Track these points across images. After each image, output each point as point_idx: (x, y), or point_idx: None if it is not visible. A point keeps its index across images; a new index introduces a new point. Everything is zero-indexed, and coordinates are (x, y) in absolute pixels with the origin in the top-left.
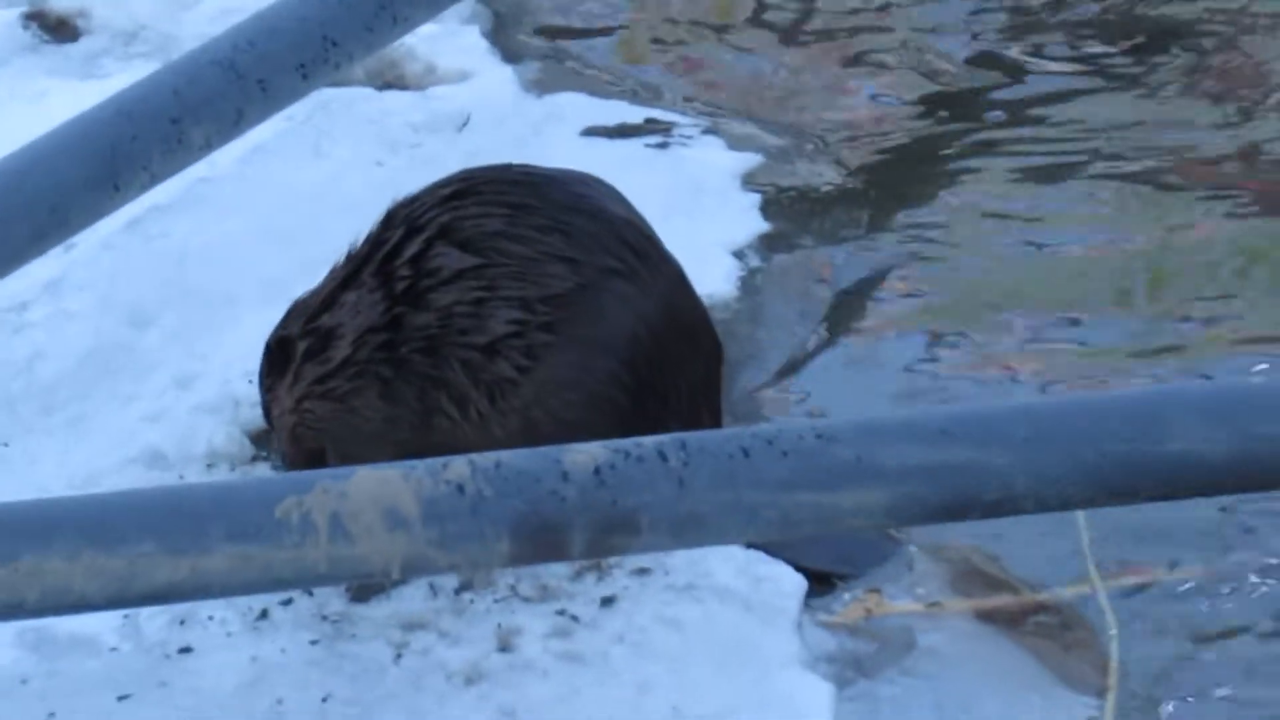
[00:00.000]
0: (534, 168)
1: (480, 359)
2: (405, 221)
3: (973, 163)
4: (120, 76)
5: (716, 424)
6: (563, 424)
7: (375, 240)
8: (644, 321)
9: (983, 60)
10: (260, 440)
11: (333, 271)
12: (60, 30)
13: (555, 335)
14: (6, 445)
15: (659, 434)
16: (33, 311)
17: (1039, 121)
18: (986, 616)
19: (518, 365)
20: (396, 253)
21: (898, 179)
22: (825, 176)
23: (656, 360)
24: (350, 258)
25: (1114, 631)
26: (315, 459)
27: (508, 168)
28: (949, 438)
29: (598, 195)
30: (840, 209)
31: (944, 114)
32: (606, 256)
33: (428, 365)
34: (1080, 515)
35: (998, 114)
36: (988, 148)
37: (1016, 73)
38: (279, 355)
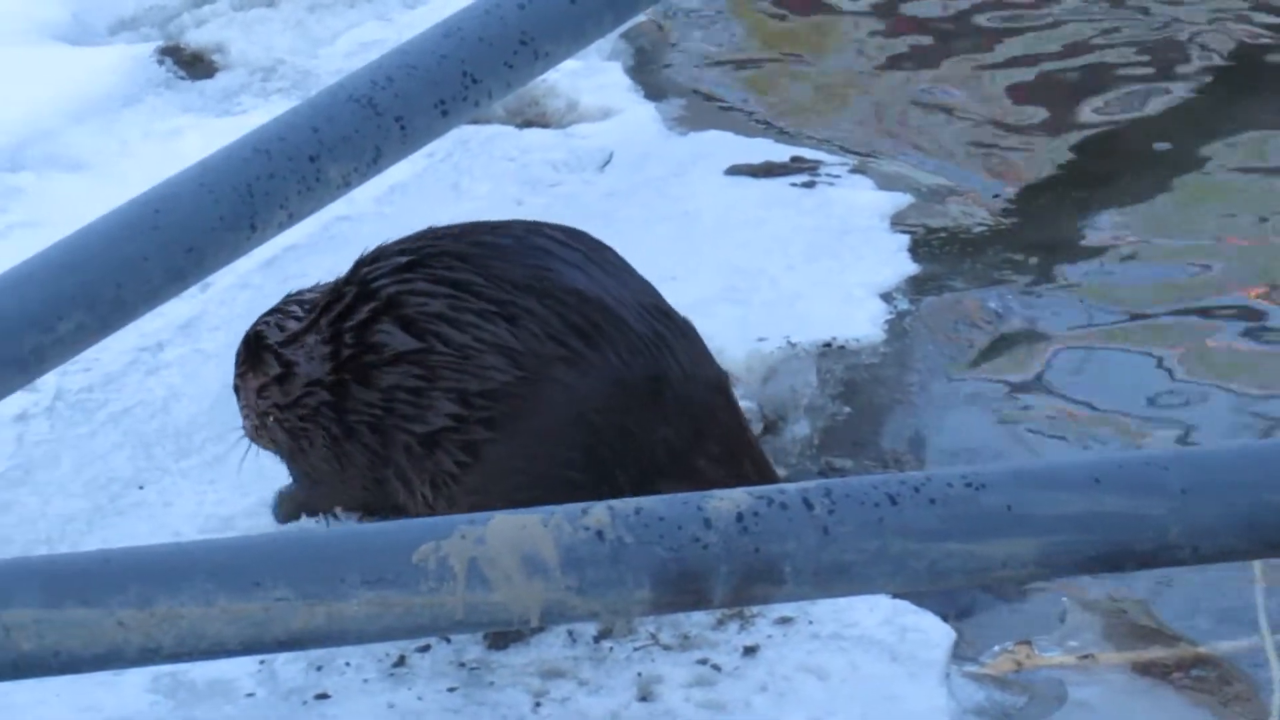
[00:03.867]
0: (499, 231)
1: (421, 450)
2: (360, 282)
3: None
4: (257, 113)
5: (730, 468)
6: (516, 504)
7: (336, 291)
8: (590, 403)
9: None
10: None
11: (314, 300)
12: (196, 66)
13: (494, 431)
14: (142, 488)
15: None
16: (168, 352)
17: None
18: (1141, 669)
19: (457, 460)
20: (347, 313)
21: (1054, 219)
22: (977, 216)
23: (617, 433)
24: (318, 300)
25: (1278, 686)
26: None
27: (471, 229)
28: (1101, 486)
29: (558, 266)
30: (993, 250)
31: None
32: (549, 343)
33: (375, 442)
34: (1257, 565)
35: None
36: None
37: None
38: (248, 352)
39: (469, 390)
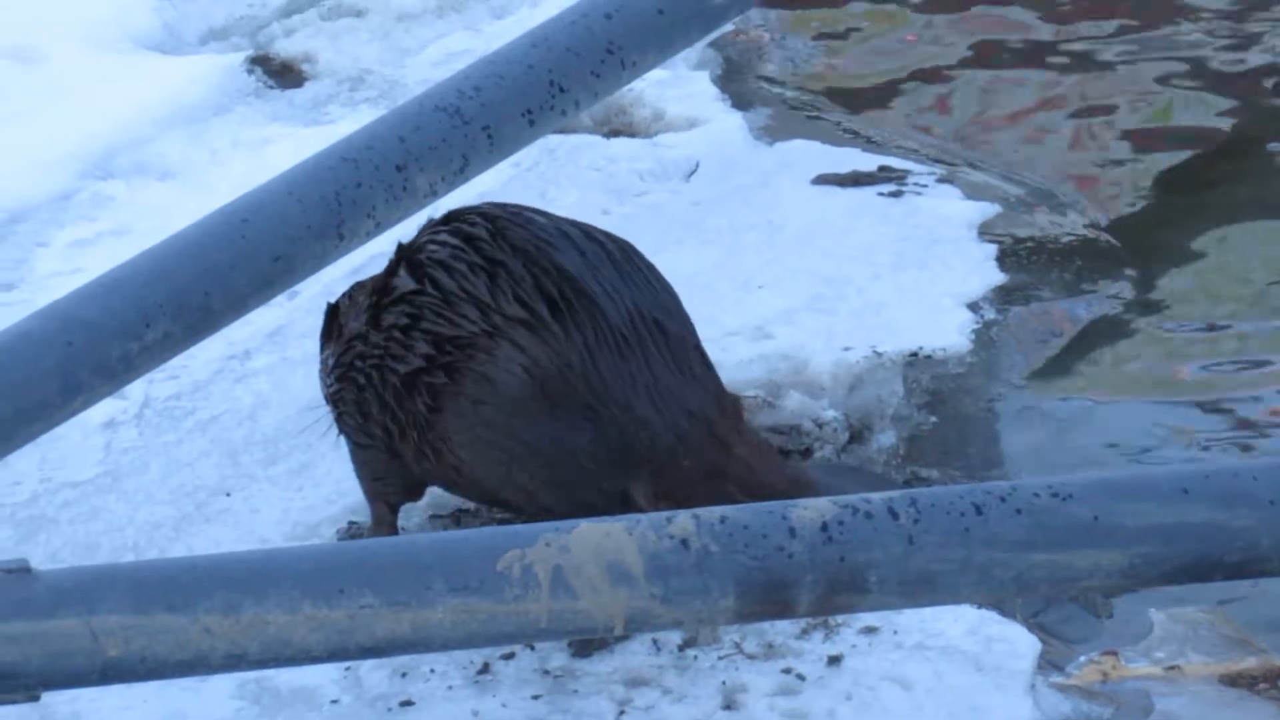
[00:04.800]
0: (544, 213)
1: (403, 391)
2: (417, 239)
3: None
4: (345, 122)
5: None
6: (483, 460)
7: (397, 250)
8: (545, 372)
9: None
10: None
11: None
12: (285, 76)
13: (453, 379)
14: (229, 495)
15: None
16: (256, 360)
17: None
18: (1229, 680)
19: (426, 404)
20: (388, 270)
21: (1144, 228)
22: (1065, 226)
23: (579, 414)
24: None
25: None
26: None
27: (497, 207)
28: (1190, 497)
29: (564, 246)
30: (1081, 260)
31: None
32: (515, 305)
33: (378, 383)
34: None
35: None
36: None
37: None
38: (327, 320)
39: (443, 334)
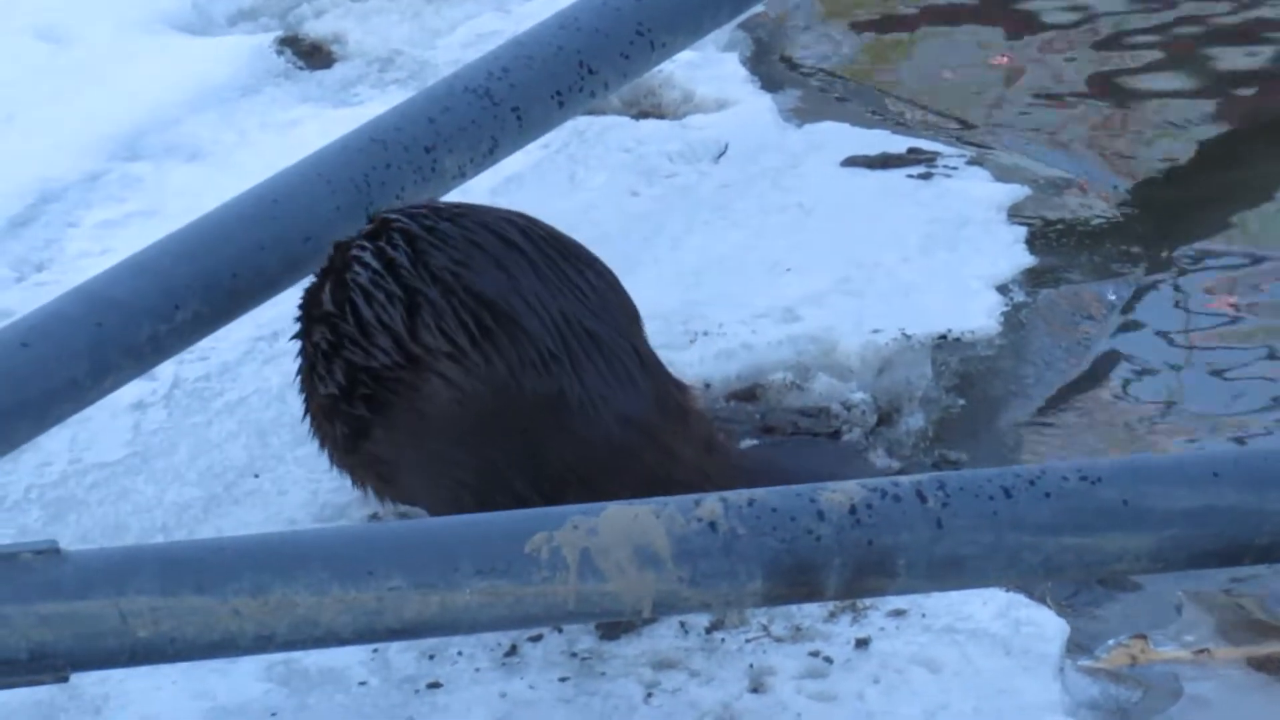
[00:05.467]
0: (468, 218)
1: (325, 412)
2: (354, 238)
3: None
4: (374, 104)
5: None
6: (407, 488)
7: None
8: (474, 405)
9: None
10: None
11: None
12: (314, 57)
13: (375, 412)
14: (257, 476)
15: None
16: (284, 341)
17: None
18: (1258, 664)
19: (343, 432)
20: (319, 281)
21: (1176, 210)
22: (1095, 209)
23: (511, 442)
24: None
25: None
26: None
27: (450, 211)
28: (1220, 480)
29: (484, 265)
30: (1111, 242)
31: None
32: (438, 337)
33: (309, 392)
34: None
35: None
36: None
37: None
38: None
39: (357, 364)
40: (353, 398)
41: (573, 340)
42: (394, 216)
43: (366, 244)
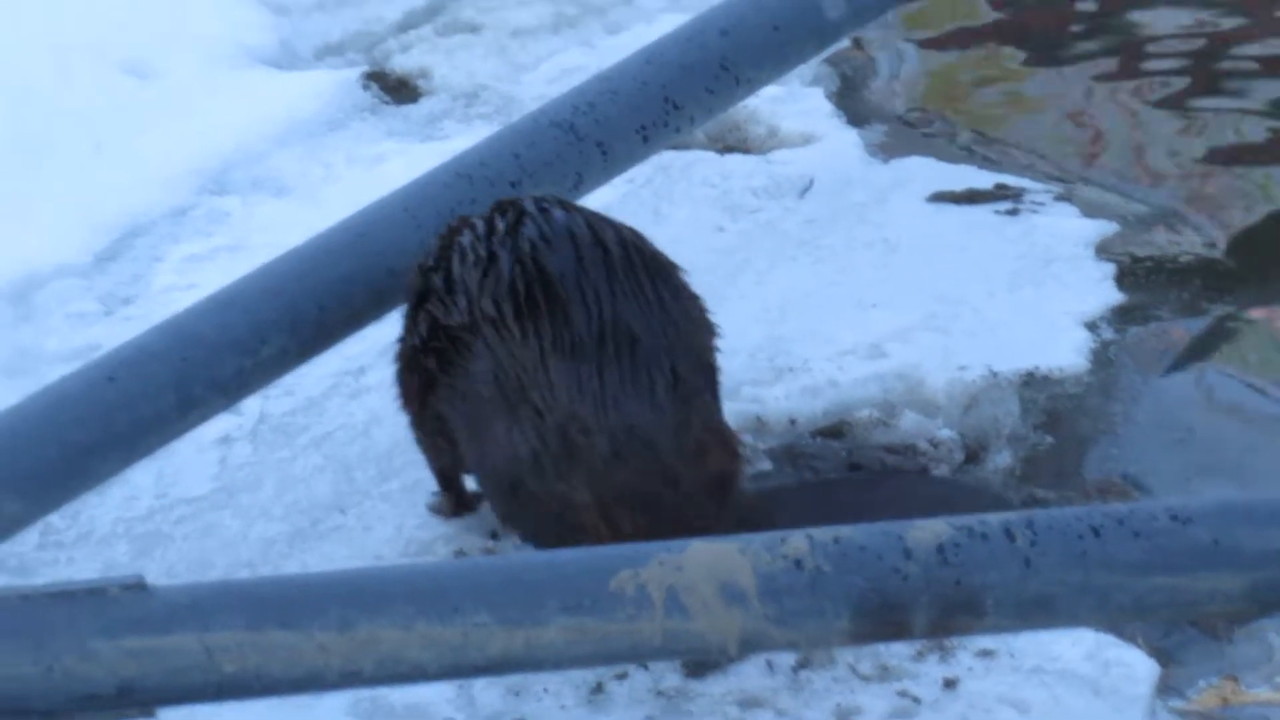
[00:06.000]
0: (567, 206)
1: (410, 359)
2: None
3: None
4: (459, 139)
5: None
6: (466, 448)
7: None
8: (507, 373)
9: None
10: None
11: None
12: (400, 92)
13: (439, 368)
14: (343, 512)
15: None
16: (370, 376)
17: None
18: None
19: (416, 385)
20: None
21: (1264, 247)
22: (1184, 245)
23: (538, 416)
24: None
25: None
26: None
27: (555, 200)
28: None
29: (563, 241)
30: (1201, 279)
31: None
32: (489, 302)
33: (398, 349)
34: None
35: None
36: None
37: None
38: None
39: (436, 318)
40: (427, 350)
41: (610, 340)
42: (521, 197)
43: (493, 211)
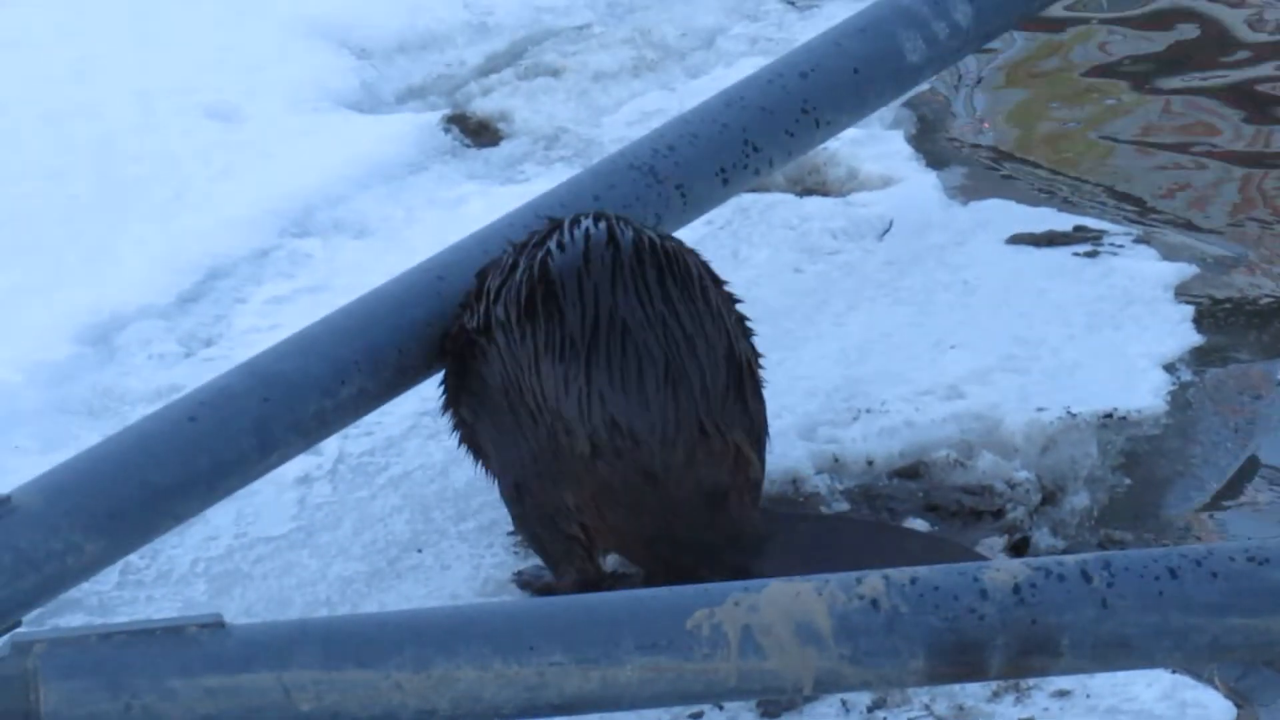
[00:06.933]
0: (616, 219)
1: (446, 363)
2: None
3: None
4: (540, 181)
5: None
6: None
7: None
8: (505, 377)
9: None
10: None
11: None
12: (481, 134)
13: (458, 372)
14: (420, 551)
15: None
16: (447, 416)
17: None
18: None
19: (446, 389)
20: None
21: None
22: (1264, 288)
23: (522, 416)
24: None
25: None
26: None
27: (613, 216)
28: None
29: (574, 247)
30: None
31: None
32: (500, 305)
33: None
34: None
35: None
36: None
37: None
38: None
39: (464, 323)
40: (454, 355)
41: (603, 335)
42: (582, 213)
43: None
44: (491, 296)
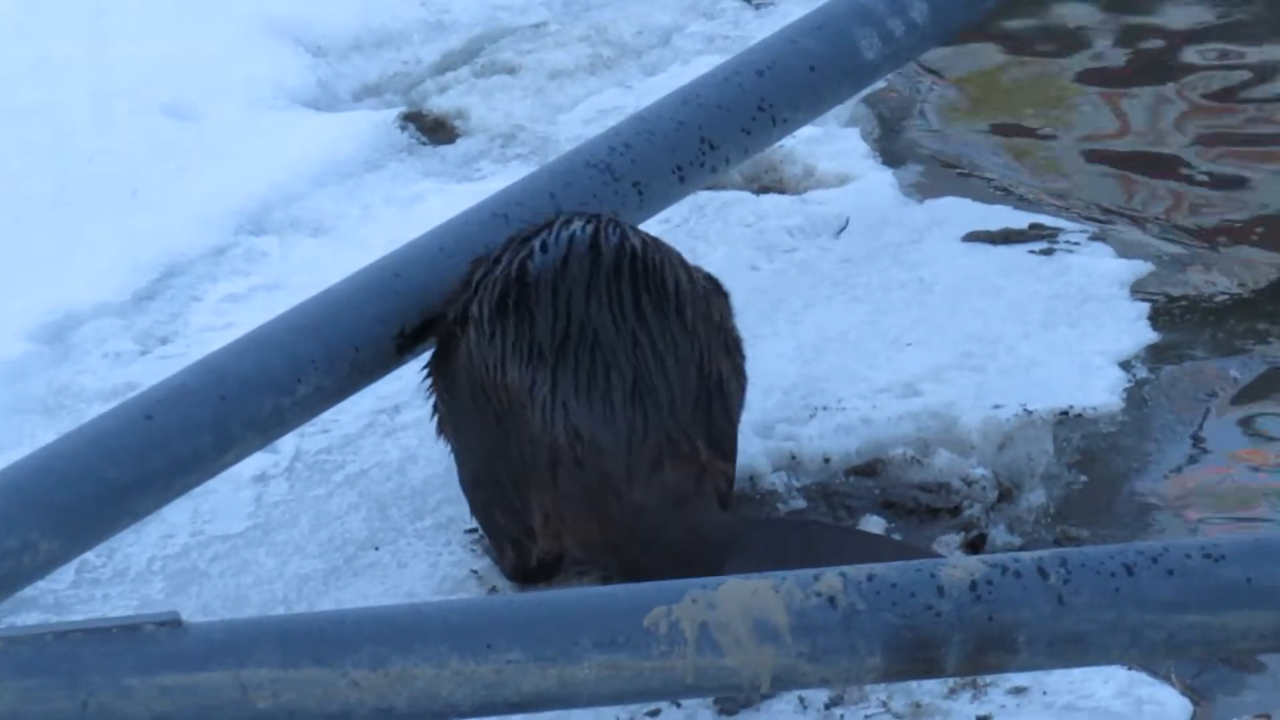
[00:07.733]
0: (609, 222)
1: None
2: None
3: None
4: (496, 179)
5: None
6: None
7: None
8: (472, 375)
9: None
10: None
11: None
12: (437, 132)
13: (436, 361)
14: (377, 549)
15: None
16: (405, 414)
17: None
18: None
19: (428, 376)
20: None
21: None
22: (1219, 285)
23: (487, 413)
24: None
25: None
26: None
27: (605, 218)
28: None
29: (556, 246)
30: (1235, 319)
31: None
32: (476, 301)
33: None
34: None
35: None
36: None
37: None
38: None
39: (446, 315)
40: (439, 339)
41: (571, 344)
42: (576, 213)
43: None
44: (473, 289)
